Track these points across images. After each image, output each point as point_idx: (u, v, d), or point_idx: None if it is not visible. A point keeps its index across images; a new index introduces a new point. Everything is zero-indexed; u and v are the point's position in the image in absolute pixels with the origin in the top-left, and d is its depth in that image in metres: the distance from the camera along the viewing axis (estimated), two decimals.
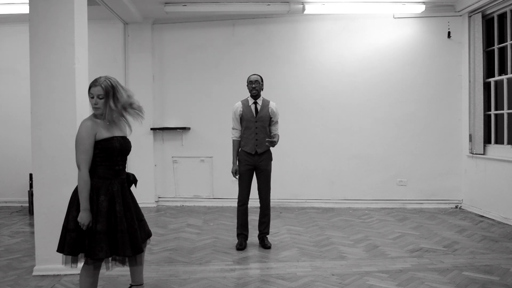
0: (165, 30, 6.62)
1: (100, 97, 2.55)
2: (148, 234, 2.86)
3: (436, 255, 4.03)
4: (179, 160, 6.66)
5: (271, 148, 4.37)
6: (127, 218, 2.62)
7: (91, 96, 2.58)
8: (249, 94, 4.35)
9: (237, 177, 4.37)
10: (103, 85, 2.54)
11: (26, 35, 3.81)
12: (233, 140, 4.38)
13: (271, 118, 4.32)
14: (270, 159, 4.36)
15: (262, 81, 4.35)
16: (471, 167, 5.99)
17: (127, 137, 2.76)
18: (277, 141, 4.23)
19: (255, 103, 4.31)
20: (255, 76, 4.32)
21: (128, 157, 2.78)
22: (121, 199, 2.62)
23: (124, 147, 2.68)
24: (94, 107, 2.58)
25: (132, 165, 6.47)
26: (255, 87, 4.26)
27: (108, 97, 2.55)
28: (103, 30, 6.54)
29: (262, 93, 4.40)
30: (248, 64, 6.32)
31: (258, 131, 4.26)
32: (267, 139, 4.17)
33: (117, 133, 2.67)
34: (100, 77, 2.59)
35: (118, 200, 2.60)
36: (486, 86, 5.79)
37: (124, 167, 2.75)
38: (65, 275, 3.59)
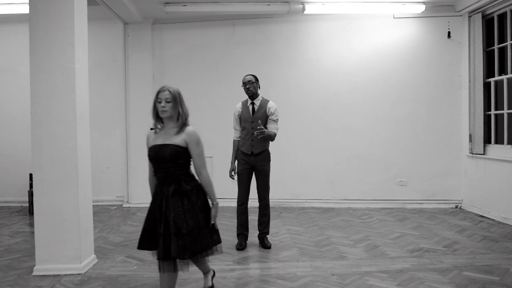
0: (165, 30, 6.62)
1: (168, 100, 2.68)
2: (186, 252, 2.75)
3: (436, 255, 4.03)
4: None
5: (269, 148, 4.37)
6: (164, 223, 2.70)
7: (158, 101, 2.70)
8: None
9: (234, 177, 4.37)
10: (170, 90, 2.70)
11: (26, 35, 3.82)
12: (233, 140, 4.39)
13: (268, 117, 4.29)
14: (268, 160, 4.34)
15: (256, 80, 4.29)
16: (471, 167, 5.99)
17: (173, 144, 2.77)
18: (271, 136, 4.14)
19: (253, 103, 4.30)
20: (248, 76, 4.27)
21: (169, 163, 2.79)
22: (165, 204, 2.73)
23: (157, 155, 2.70)
24: (162, 110, 2.69)
25: (133, 165, 6.50)
26: (249, 87, 4.23)
27: (176, 102, 2.74)
28: (103, 30, 6.56)
29: (261, 92, 4.39)
30: (248, 64, 6.31)
31: (254, 131, 4.23)
32: (256, 132, 4.03)
33: (159, 141, 2.73)
34: (164, 86, 2.74)
35: (164, 204, 2.72)
36: (486, 86, 5.79)
37: (166, 174, 2.77)
38: (65, 275, 3.59)
